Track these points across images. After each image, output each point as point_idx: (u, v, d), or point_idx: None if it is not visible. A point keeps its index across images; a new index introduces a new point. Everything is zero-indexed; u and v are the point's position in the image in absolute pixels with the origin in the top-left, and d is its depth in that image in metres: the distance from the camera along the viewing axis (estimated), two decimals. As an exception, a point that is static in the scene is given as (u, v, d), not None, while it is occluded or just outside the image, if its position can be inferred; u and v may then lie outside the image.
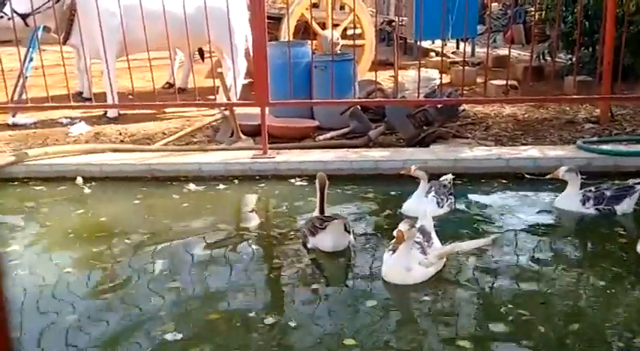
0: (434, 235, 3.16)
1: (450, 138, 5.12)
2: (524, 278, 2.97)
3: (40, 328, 2.62)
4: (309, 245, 3.31)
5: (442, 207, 3.76)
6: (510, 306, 2.70)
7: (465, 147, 4.86)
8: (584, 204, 3.71)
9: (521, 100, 5.87)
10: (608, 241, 3.43)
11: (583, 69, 6.62)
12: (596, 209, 3.69)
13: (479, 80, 7.52)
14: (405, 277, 2.88)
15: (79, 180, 4.49)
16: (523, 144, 5.12)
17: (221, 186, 4.43)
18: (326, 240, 3.22)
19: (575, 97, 5.33)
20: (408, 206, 3.78)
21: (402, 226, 2.83)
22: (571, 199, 3.75)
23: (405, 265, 2.88)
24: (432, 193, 3.77)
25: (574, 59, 6.15)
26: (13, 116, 6.12)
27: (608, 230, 3.57)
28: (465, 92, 5.69)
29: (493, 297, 2.82)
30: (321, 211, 3.48)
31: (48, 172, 4.57)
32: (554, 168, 3.91)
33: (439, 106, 5.13)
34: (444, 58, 8.45)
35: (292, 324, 2.59)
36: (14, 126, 6.00)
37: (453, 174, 4.36)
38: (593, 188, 3.76)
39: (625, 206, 3.70)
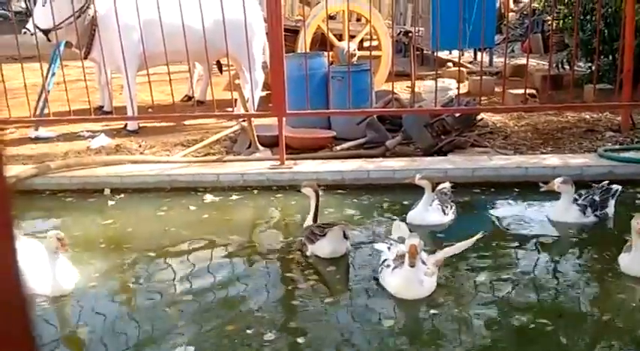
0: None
1: (468, 147, 5.09)
2: (537, 290, 2.94)
3: (56, 338, 2.64)
4: (307, 253, 3.37)
5: (447, 215, 3.78)
6: (524, 317, 2.66)
7: (483, 156, 4.83)
8: (584, 213, 3.67)
9: (540, 108, 5.83)
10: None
11: (603, 77, 6.55)
12: (595, 216, 3.67)
13: (497, 90, 7.48)
14: (419, 292, 2.83)
15: (107, 191, 4.56)
16: (543, 153, 5.07)
17: (239, 196, 4.46)
18: (325, 246, 3.29)
19: (595, 104, 5.28)
20: (414, 215, 3.79)
21: (413, 241, 2.80)
22: (569, 211, 3.70)
23: (419, 278, 2.82)
24: (436, 202, 3.78)
25: (593, 67, 6.09)
26: (36, 130, 6.23)
27: (615, 237, 3.52)
28: (483, 101, 5.66)
29: (504, 309, 2.78)
30: (315, 219, 3.55)
31: (69, 184, 4.64)
32: (575, 176, 3.87)
33: (457, 114, 5.11)
34: (461, 68, 8.44)
35: (300, 340, 2.56)
36: (37, 139, 6.11)
37: (471, 183, 4.35)
38: (577, 197, 3.72)
39: (612, 209, 3.72)
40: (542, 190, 3.82)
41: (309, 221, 3.57)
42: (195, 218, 4.08)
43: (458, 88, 5.55)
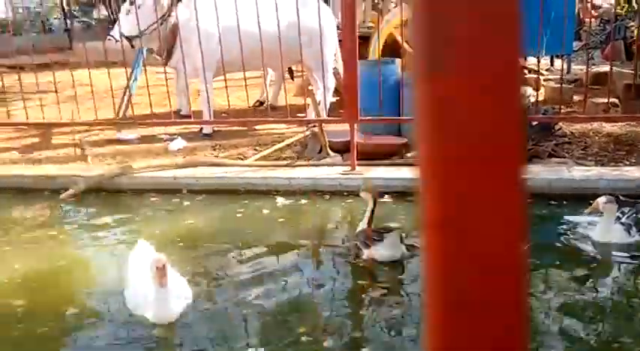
0: None
1: (546, 157, 4.94)
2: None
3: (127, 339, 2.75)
4: (363, 257, 3.39)
5: None
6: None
7: (562, 166, 4.68)
8: (629, 233, 3.49)
9: (623, 118, 5.58)
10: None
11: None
12: None
13: (575, 98, 7.22)
14: None
15: (184, 191, 4.73)
16: (625, 165, 4.85)
17: (309, 201, 4.52)
18: (383, 251, 3.32)
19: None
20: None
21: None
22: (613, 231, 3.51)
23: None
24: None
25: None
26: (119, 132, 6.55)
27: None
28: (561, 110, 5.48)
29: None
30: (369, 223, 3.54)
31: (151, 183, 4.85)
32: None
33: (534, 123, 4.97)
34: (537, 76, 8.18)
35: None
36: (119, 141, 6.42)
37: (549, 194, 4.23)
38: (620, 214, 3.53)
39: None
40: (586, 212, 3.68)
41: (362, 225, 3.59)
42: (270, 221, 4.17)
43: (537, 96, 5.39)
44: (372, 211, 3.58)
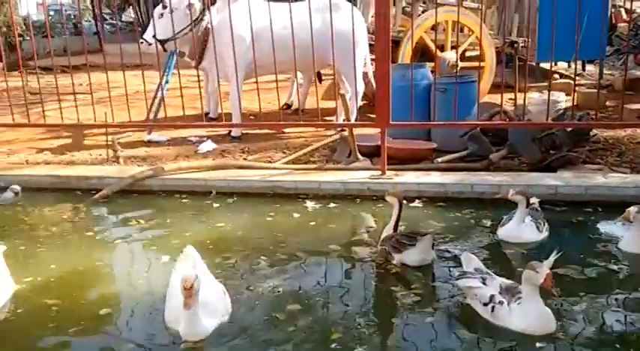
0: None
1: (579, 164, 4.86)
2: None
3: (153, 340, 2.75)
4: (394, 261, 3.38)
5: (542, 232, 3.66)
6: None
7: (596, 173, 4.59)
8: None
9: (659, 124, 5.46)
10: None
11: None
12: None
13: (608, 103, 7.10)
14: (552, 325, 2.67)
15: (213, 193, 4.76)
16: (662, 172, 4.74)
17: (339, 205, 4.50)
18: (414, 255, 3.33)
19: None
20: (508, 232, 3.68)
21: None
22: None
23: (545, 310, 2.68)
24: (529, 218, 3.66)
25: None
26: (149, 134, 6.63)
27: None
28: (594, 116, 5.38)
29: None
30: (395, 228, 3.54)
31: (181, 185, 4.89)
32: None
33: (568, 129, 4.89)
34: (569, 81, 8.08)
35: None
36: (149, 143, 6.50)
37: (583, 202, 4.17)
38: None
39: None
40: (618, 221, 3.59)
41: (388, 230, 3.57)
42: (300, 225, 4.16)
43: (572, 102, 5.31)
44: (399, 216, 3.57)
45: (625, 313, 2.87)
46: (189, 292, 2.52)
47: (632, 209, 3.40)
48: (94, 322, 2.92)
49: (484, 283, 2.82)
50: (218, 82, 5.93)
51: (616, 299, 2.99)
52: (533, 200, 3.81)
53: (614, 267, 3.35)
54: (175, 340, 2.67)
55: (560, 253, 2.69)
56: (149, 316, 2.97)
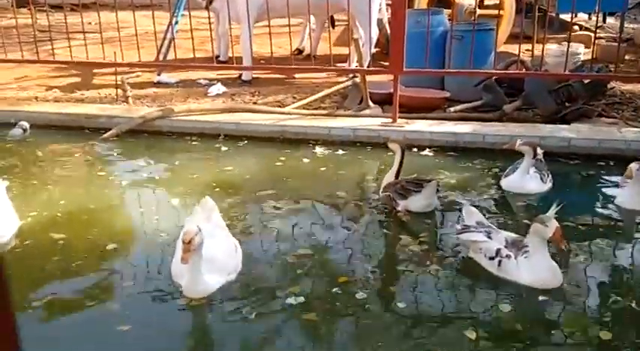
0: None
1: (595, 117, 4.77)
2: None
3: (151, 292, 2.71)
4: (398, 208, 3.39)
5: (546, 183, 3.65)
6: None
7: (611, 127, 4.51)
8: None
9: (679, 79, 5.32)
10: None
11: None
12: None
13: (627, 57, 6.92)
14: (559, 278, 2.65)
15: (221, 137, 4.74)
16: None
17: (348, 151, 4.47)
18: (420, 201, 3.33)
19: None
20: (512, 182, 3.67)
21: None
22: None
23: (552, 264, 2.66)
24: (533, 170, 3.63)
25: None
26: (158, 75, 6.55)
27: None
28: (613, 69, 5.24)
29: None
30: (397, 175, 3.54)
31: (190, 127, 4.86)
32: None
33: (586, 81, 4.77)
34: (588, 33, 7.86)
35: (401, 305, 2.51)
36: (159, 84, 6.43)
37: (596, 155, 4.11)
38: None
39: None
40: (620, 180, 3.53)
41: (390, 177, 3.56)
42: (309, 171, 4.14)
43: (592, 54, 5.16)
44: (401, 163, 3.56)
45: (624, 267, 2.86)
46: (188, 246, 2.40)
47: (633, 166, 3.34)
48: (98, 257, 2.94)
49: (489, 237, 2.79)
50: (229, 23, 5.79)
51: (612, 253, 2.98)
52: (539, 152, 3.77)
53: (610, 222, 3.33)
54: (175, 293, 2.58)
55: (560, 206, 2.65)
56: (154, 258, 2.92)
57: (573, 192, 3.81)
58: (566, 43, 5.13)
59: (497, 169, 4.04)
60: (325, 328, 2.39)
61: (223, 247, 2.74)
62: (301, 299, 2.54)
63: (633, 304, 2.52)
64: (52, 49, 5.58)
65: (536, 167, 3.65)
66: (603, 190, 3.73)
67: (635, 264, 2.90)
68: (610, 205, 3.48)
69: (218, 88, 6.13)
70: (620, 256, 2.97)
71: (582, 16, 9.40)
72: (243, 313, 2.46)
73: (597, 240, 3.08)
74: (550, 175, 3.69)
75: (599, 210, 3.47)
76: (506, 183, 3.71)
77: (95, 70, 6.80)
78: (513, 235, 2.82)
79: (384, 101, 5.28)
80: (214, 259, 2.60)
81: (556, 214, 2.64)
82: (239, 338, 2.35)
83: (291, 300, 2.54)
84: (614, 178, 3.71)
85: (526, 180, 3.61)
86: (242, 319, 2.43)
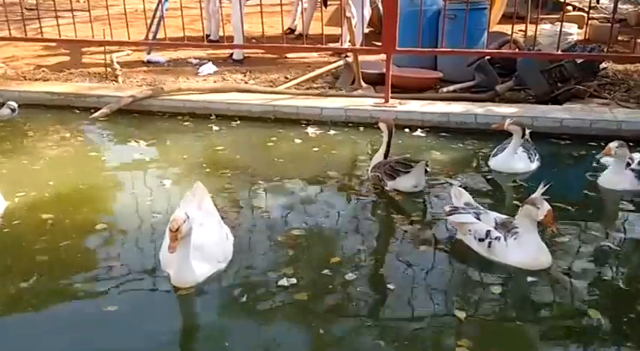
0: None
1: (587, 97, 4.76)
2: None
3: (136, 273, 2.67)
4: (387, 187, 3.42)
5: (533, 162, 3.68)
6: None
7: (603, 107, 4.51)
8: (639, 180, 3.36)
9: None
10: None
11: None
12: None
13: (620, 38, 6.89)
14: (549, 259, 2.66)
15: (213, 117, 4.71)
16: (670, 108, 4.66)
17: (340, 131, 4.45)
18: (408, 181, 3.37)
19: None
20: (499, 162, 3.69)
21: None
22: (623, 177, 3.38)
23: (542, 245, 2.67)
24: (521, 149, 3.65)
25: None
26: (148, 54, 6.47)
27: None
28: (609, 49, 5.21)
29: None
30: (386, 155, 3.55)
31: (181, 107, 4.82)
32: None
33: (578, 61, 4.75)
34: (581, 13, 7.82)
35: (391, 286, 2.51)
36: (148, 63, 6.35)
37: (588, 135, 4.11)
38: (630, 161, 3.42)
39: None
40: (599, 157, 3.56)
41: (378, 157, 3.57)
42: (301, 151, 4.13)
43: (584, 34, 5.13)
44: (389, 143, 3.56)
45: (609, 246, 2.87)
46: (175, 234, 2.31)
47: (612, 144, 3.34)
48: (87, 237, 2.91)
49: (478, 218, 2.79)
50: (220, 1, 5.71)
51: (596, 233, 2.99)
52: (527, 131, 3.77)
53: (593, 202, 3.36)
54: (165, 274, 2.55)
55: (547, 186, 2.65)
56: (144, 238, 2.90)
57: (561, 172, 3.82)
58: (559, 23, 5.10)
59: (488, 150, 4.04)
60: (316, 308, 2.39)
61: (213, 233, 2.66)
62: (293, 280, 2.53)
63: (620, 283, 2.55)
64: (40, 27, 5.49)
65: (524, 147, 3.67)
66: (590, 170, 3.74)
67: (620, 243, 2.92)
68: (594, 185, 3.50)
69: (209, 68, 6.06)
70: (604, 236, 2.98)
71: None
72: (235, 294, 2.46)
73: (580, 220, 3.10)
74: (538, 155, 3.71)
75: (584, 190, 3.48)
76: (494, 162, 3.72)
77: (84, 49, 6.70)
78: (502, 216, 2.83)
79: (376, 82, 5.25)
80: (203, 246, 2.52)
81: (543, 194, 2.65)
82: (229, 319, 2.36)
83: (283, 282, 2.53)
84: (604, 159, 3.72)
85: (514, 159, 3.63)
86: (233, 300, 2.43)
